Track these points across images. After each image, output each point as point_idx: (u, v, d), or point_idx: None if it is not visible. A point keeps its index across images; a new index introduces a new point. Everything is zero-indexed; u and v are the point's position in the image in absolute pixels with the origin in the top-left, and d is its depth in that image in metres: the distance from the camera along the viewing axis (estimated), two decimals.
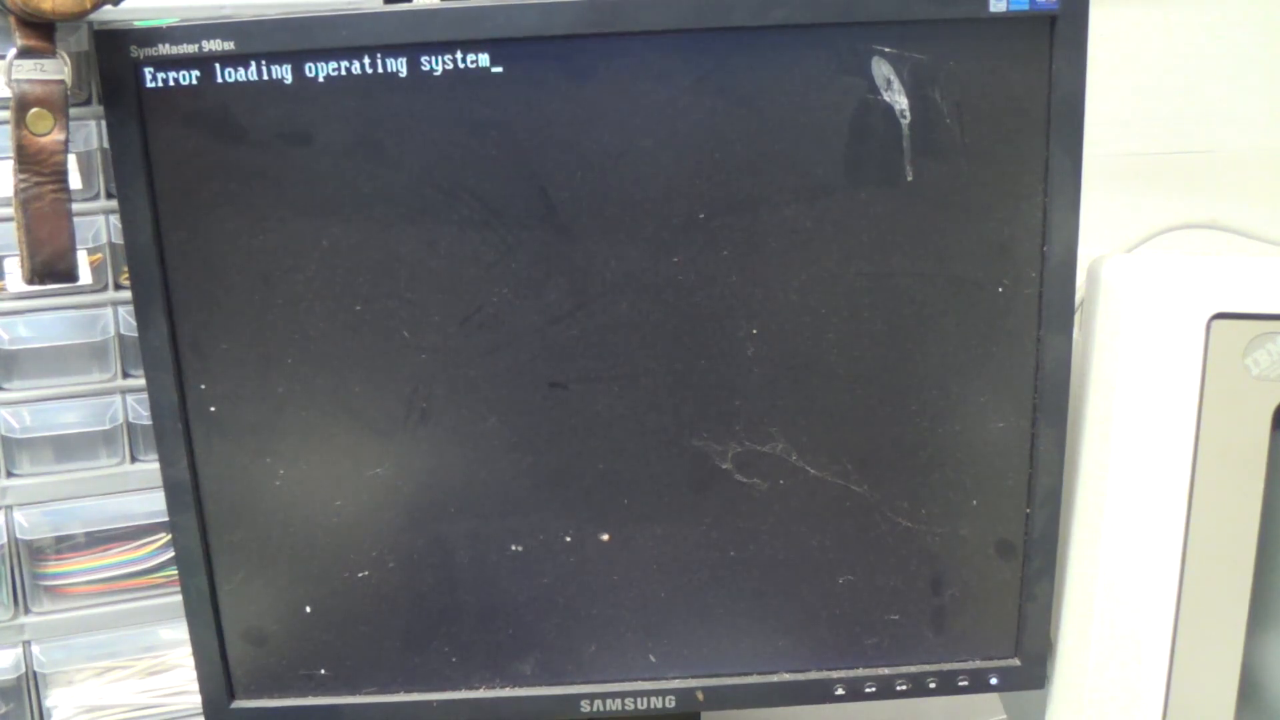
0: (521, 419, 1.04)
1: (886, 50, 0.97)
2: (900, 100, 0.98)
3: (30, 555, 1.10)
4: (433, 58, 0.97)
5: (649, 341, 1.03)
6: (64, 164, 0.94)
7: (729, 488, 1.06)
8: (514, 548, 1.07)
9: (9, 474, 1.08)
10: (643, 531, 1.07)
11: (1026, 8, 0.97)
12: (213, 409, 1.04)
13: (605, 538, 1.07)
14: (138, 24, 0.96)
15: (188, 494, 1.05)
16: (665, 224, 1.00)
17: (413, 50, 0.97)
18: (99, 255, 1.05)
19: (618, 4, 0.96)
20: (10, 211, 0.95)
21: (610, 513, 1.07)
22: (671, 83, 0.98)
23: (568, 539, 1.07)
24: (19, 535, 1.09)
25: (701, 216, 1.00)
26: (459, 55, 0.97)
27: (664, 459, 1.05)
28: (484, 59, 0.97)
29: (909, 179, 1.00)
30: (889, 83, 0.98)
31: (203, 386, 1.03)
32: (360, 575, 1.07)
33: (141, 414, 1.08)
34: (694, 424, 1.05)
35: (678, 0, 0.96)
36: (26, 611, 1.11)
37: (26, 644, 1.11)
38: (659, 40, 0.97)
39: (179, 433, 1.04)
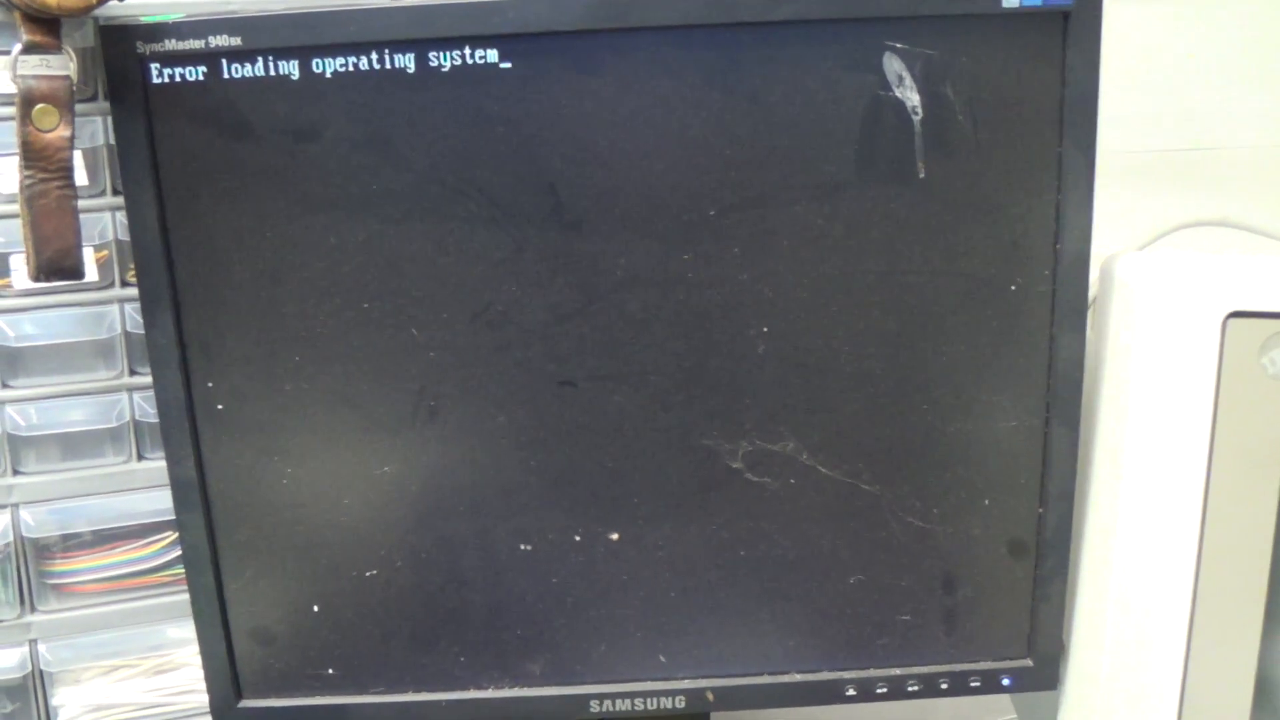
0: (530, 417, 1.04)
1: (898, 46, 0.97)
2: (912, 97, 0.98)
3: (36, 553, 1.09)
4: (441, 53, 0.96)
5: (659, 339, 1.02)
6: (70, 160, 0.94)
7: (739, 486, 1.05)
8: (523, 547, 1.07)
9: (15, 472, 1.08)
10: (652, 530, 1.06)
11: (1040, 4, 0.96)
12: (220, 407, 1.03)
13: (614, 537, 1.07)
14: (143, 19, 0.96)
15: (195, 492, 1.05)
16: (675, 221, 1.00)
17: (421, 46, 0.96)
18: (105, 252, 1.05)
19: None
20: (16, 208, 0.94)
21: (619, 511, 1.06)
22: (682, 79, 0.97)
23: (577, 538, 1.07)
24: (25, 533, 1.08)
25: (712, 213, 1.00)
26: (467, 51, 0.96)
27: (674, 457, 1.05)
28: (492, 55, 0.96)
29: (921, 176, 0.99)
30: (901, 79, 0.97)
31: (210, 384, 1.03)
32: (368, 574, 1.07)
33: (148, 412, 1.08)
34: (704, 422, 1.04)
35: None
36: (33, 610, 1.11)
37: (33, 642, 1.11)
38: (669, 36, 0.97)
39: (186, 431, 1.03)
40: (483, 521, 1.06)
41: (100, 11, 0.93)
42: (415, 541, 1.07)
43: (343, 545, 1.07)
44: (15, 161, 0.94)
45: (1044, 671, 1.11)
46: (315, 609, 1.08)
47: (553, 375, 1.03)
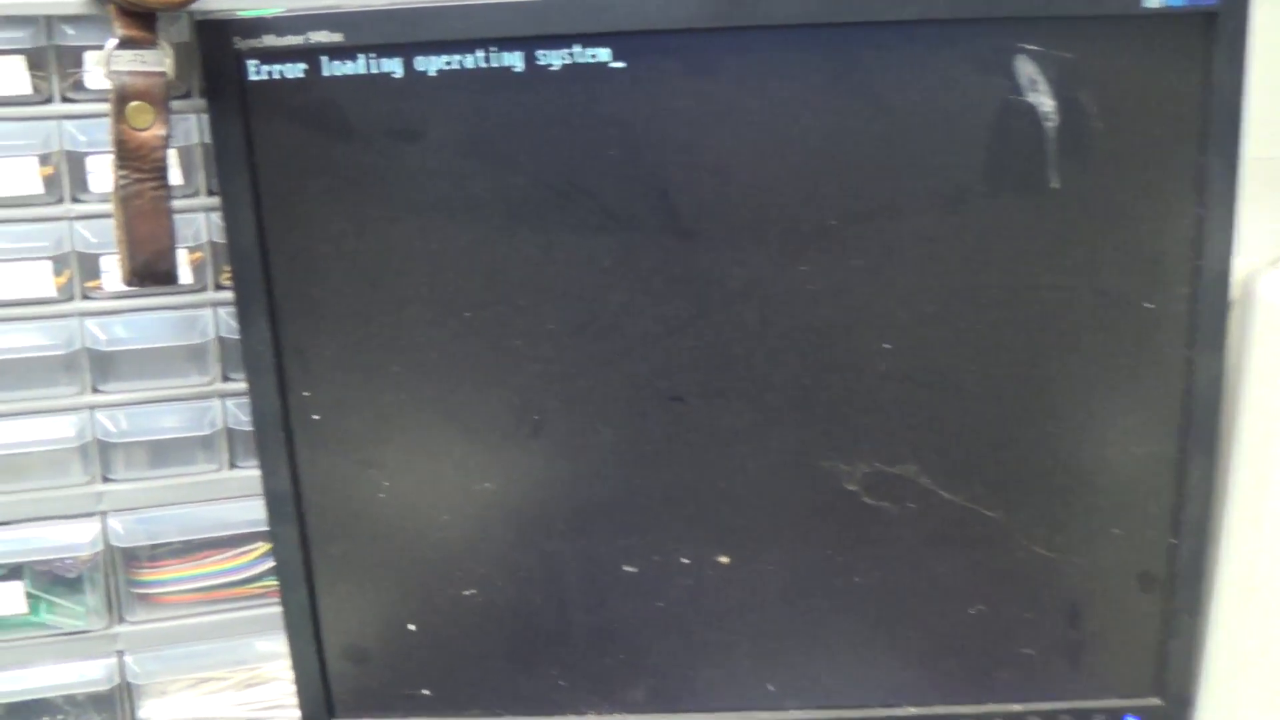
0: (638, 433, 1.01)
1: (1032, 48, 0.93)
2: (1046, 102, 0.94)
3: (125, 562, 1.08)
4: (550, 52, 0.94)
5: (774, 354, 0.99)
6: (165, 160, 0.93)
7: (855, 510, 1.02)
8: (627, 568, 1.04)
9: (104, 479, 1.06)
10: (763, 554, 1.04)
11: (1184, 4, 0.92)
12: (316, 417, 1.02)
13: (724, 560, 1.04)
14: (241, 14, 0.94)
15: (289, 504, 1.04)
16: (793, 230, 0.97)
17: (529, 44, 0.94)
18: (199, 254, 1.03)
19: None
20: (107, 208, 0.93)
21: (729, 534, 1.03)
22: (801, 80, 0.94)
23: (684, 560, 1.04)
24: (114, 542, 1.07)
25: (832, 223, 0.97)
26: (578, 49, 0.94)
27: (787, 478, 1.02)
28: (604, 53, 0.94)
29: (1054, 186, 0.96)
30: (1034, 83, 0.94)
31: (306, 394, 1.01)
32: (466, 593, 1.05)
33: (241, 419, 1.05)
34: (820, 442, 1.01)
35: None
36: (120, 620, 1.09)
37: (120, 654, 1.10)
38: (788, 35, 0.94)
39: (281, 441, 1.02)
40: (586, 541, 1.04)
41: (196, 6, 0.92)
42: (516, 560, 1.05)
43: (440, 562, 1.05)
44: (109, 160, 0.92)
45: (1174, 711, 1.07)
46: (411, 627, 1.07)
47: (662, 390, 1.00)
